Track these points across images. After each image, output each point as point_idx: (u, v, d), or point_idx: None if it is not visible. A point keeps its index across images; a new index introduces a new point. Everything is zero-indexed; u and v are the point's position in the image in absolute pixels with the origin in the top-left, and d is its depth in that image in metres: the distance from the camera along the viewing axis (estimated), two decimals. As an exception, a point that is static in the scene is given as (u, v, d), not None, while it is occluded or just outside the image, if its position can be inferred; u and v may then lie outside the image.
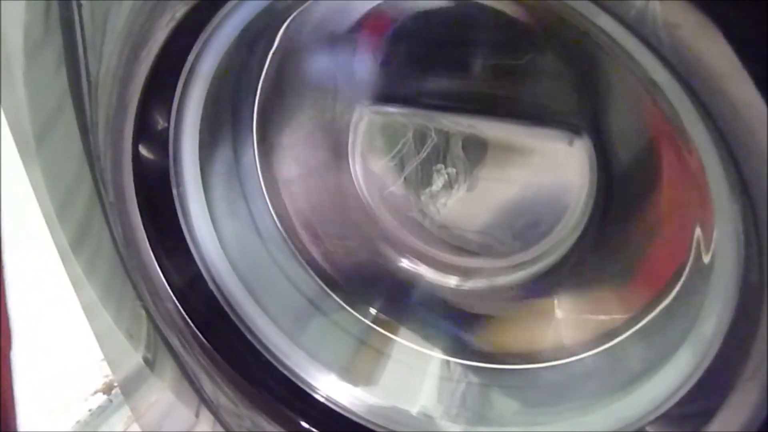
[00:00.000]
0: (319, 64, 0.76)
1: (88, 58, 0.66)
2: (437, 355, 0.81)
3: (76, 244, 0.82)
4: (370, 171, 0.80)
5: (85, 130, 0.73)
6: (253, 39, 0.70)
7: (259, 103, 0.77)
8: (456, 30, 0.67)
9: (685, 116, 0.47)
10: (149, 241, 0.73)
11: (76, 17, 0.65)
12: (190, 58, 0.62)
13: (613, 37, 0.46)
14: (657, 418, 0.58)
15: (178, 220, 0.74)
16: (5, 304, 0.82)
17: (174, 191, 0.73)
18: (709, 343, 0.52)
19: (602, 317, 0.71)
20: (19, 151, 0.77)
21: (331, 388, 0.78)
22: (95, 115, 0.69)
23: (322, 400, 0.78)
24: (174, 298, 0.75)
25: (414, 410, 0.76)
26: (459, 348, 0.80)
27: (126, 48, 0.60)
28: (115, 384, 0.97)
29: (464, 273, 0.81)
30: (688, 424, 0.54)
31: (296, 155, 0.82)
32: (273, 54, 0.73)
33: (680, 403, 0.55)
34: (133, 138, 0.67)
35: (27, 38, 0.68)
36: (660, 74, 0.44)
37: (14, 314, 0.85)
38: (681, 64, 0.41)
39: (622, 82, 0.61)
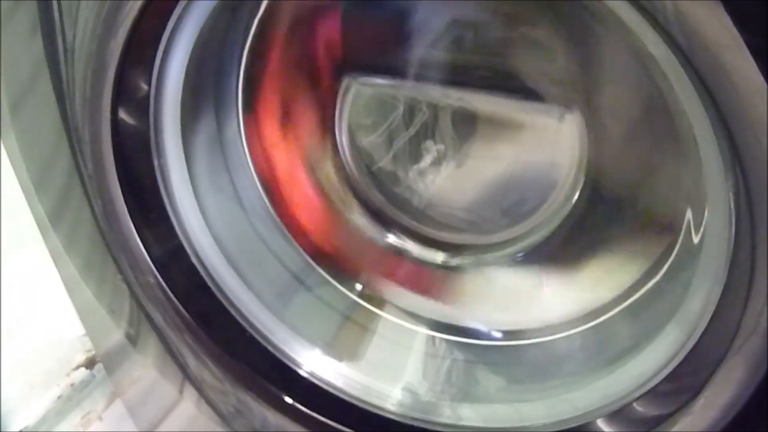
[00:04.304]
0: (306, 31, 0.74)
1: (64, 22, 0.64)
2: (423, 330, 0.81)
3: (54, 216, 0.80)
4: (358, 145, 0.79)
5: (61, 98, 0.71)
6: (237, 2, 0.67)
7: (244, 71, 0.75)
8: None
9: (681, 90, 0.46)
10: (130, 213, 0.72)
11: (51, -22, 0.62)
12: (172, 20, 0.60)
13: (611, 8, 0.44)
14: (644, 395, 0.58)
15: (160, 192, 0.73)
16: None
17: (155, 162, 0.72)
18: (697, 320, 0.52)
19: (590, 295, 0.71)
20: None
21: (315, 363, 0.78)
22: (72, 82, 0.67)
23: (306, 375, 0.77)
24: (155, 272, 0.74)
25: (399, 386, 0.76)
26: (444, 324, 0.80)
27: (104, 10, 0.58)
28: (98, 359, 0.96)
29: (452, 249, 0.80)
30: (675, 400, 0.55)
31: (282, 126, 0.81)
32: (259, 20, 0.71)
33: (667, 380, 0.56)
34: (112, 106, 0.65)
35: (-1, 1, 0.66)
36: (658, 47, 0.43)
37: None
38: (680, 36, 0.40)
39: (616, 56, 0.60)
